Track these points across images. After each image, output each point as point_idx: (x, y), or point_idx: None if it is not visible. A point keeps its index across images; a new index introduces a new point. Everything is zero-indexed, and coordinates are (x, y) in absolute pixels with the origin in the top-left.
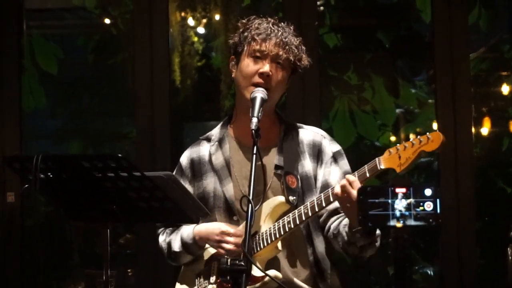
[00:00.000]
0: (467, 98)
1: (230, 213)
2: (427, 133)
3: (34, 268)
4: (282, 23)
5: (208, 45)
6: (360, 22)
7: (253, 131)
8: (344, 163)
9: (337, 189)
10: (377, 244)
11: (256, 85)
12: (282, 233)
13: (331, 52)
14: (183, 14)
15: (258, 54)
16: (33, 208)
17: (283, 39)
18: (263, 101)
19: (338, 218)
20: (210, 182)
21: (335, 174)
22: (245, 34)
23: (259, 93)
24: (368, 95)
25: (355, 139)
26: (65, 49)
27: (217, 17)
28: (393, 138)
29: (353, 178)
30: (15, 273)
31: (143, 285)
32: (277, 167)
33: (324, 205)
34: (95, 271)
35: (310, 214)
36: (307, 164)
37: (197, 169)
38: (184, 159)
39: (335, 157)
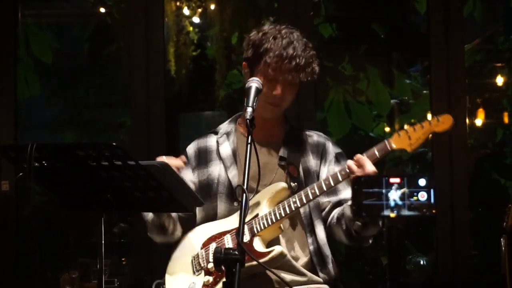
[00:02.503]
0: (461, 89)
1: (232, 199)
2: (437, 116)
3: (28, 257)
4: (295, 34)
5: (203, 35)
6: (355, 13)
7: (247, 120)
8: (343, 157)
9: (350, 162)
10: (380, 224)
11: (271, 103)
12: (288, 212)
13: (326, 42)
14: (178, 3)
15: (271, 78)
16: (28, 197)
17: (298, 62)
18: (258, 90)
19: (341, 208)
20: (215, 170)
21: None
22: (260, 51)
23: (254, 83)
24: (363, 86)
25: (350, 130)
26: (60, 38)
27: (212, 6)
28: (387, 129)
29: (365, 157)
30: (10, 261)
31: (137, 274)
32: (281, 158)
33: (332, 184)
34: (89, 260)
35: (318, 193)
36: (310, 160)
37: (203, 157)
38: (191, 148)
39: (337, 158)
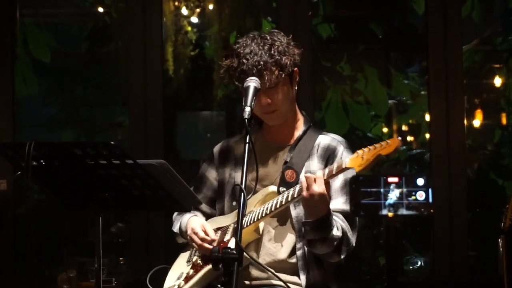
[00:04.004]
0: (459, 90)
1: (233, 199)
2: (388, 140)
3: (26, 256)
4: (257, 40)
5: (201, 35)
6: (354, 13)
7: (245, 120)
8: (350, 171)
9: (302, 178)
10: (335, 243)
11: (265, 112)
12: (259, 217)
13: (324, 42)
14: (176, 3)
15: None
16: (25, 196)
17: (263, 67)
18: (256, 90)
19: None
20: (228, 170)
21: (337, 180)
22: (231, 73)
23: (252, 82)
24: (361, 86)
25: (348, 130)
26: (59, 37)
27: (210, 6)
28: (385, 129)
29: (319, 174)
30: (8, 260)
31: (135, 274)
32: (285, 163)
33: (295, 195)
34: (87, 259)
35: (284, 203)
36: (313, 164)
37: (223, 158)
38: (217, 148)
39: None
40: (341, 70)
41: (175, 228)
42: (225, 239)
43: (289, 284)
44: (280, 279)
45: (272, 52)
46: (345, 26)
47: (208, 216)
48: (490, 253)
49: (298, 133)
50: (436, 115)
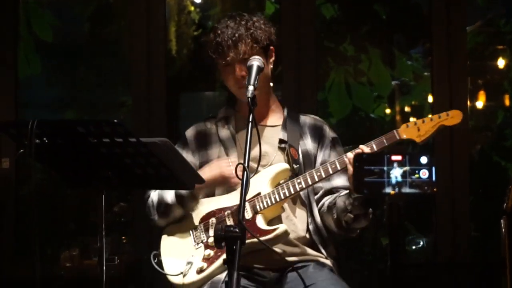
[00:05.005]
0: (463, 71)
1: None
2: (447, 112)
3: (28, 235)
4: (233, 18)
5: (204, 15)
6: None
7: (249, 98)
8: (341, 150)
9: (350, 155)
10: (370, 217)
11: (240, 87)
12: (293, 192)
13: (327, 23)
14: None
15: (226, 65)
16: (28, 175)
17: (235, 37)
18: (259, 69)
19: (332, 196)
20: (215, 152)
21: (333, 158)
22: (207, 46)
23: (256, 61)
24: (364, 67)
25: (350, 111)
26: (62, 17)
27: None
28: (388, 111)
29: (367, 149)
30: (9, 239)
31: (137, 252)
32: (281, 141)
33: (339, 168)
34: (90, 238)
35: (323, 175)
36: (308, 143)
37: (202, 140)
38: (190, 131)
39: (333, 143)
40: (344, 51)
41: (169, 200)
42: (247, 217)
43: (319, 258)
44: (269, 247)
45: (248, 26)
46: (348, 7)
47: (186, 199)
48: (492, 234)
49: (283, 113)
50: (439, 97)
